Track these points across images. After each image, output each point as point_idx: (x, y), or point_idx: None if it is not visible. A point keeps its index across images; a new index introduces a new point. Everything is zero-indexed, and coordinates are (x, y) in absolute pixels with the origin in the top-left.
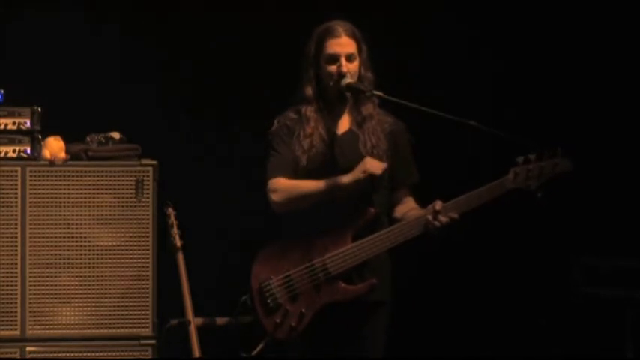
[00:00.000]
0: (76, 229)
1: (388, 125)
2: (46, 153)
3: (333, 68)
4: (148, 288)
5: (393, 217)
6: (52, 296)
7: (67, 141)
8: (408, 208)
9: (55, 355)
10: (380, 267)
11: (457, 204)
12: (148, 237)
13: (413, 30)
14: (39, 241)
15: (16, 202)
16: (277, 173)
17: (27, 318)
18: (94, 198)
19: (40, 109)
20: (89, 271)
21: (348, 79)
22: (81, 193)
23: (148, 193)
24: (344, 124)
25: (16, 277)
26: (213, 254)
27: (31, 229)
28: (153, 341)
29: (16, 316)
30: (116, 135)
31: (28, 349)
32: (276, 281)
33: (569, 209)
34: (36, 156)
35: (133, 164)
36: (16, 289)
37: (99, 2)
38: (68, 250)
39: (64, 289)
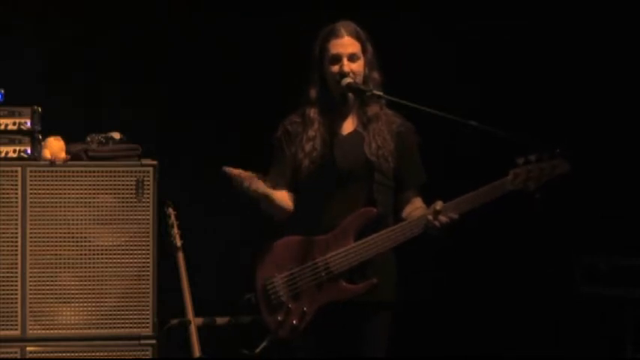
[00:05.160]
0: (76, 229)
1: (396, 126)
2: (47, 153)
3: (335, 69)
4: (148, 288)
5: (400, 218)
6: (52, 296)
7: (67, 141)
8: (413, 207)
9: (55, 355)
10: (383, 267)
11: (457, 204)
12: (148, 237)
13: (413, 29)
14: (39, 241)
15: (17, 202)
16: (272, 182)
17: (27, 318)
18: (94, 198)
19: (40, 109)
20: (89, 271)
21: (348, 79)
22: (81, 193)
23: (148, 193)
24: (349, 124)
25: (16, 277)
26: (213, 254)
27: (31, 229)
28: (153, 341)
29: (16, 316)
30: (116, 135)
31: (28, 349)
32: (280, 279)
33: (569, 208)
34: (36, 156)
35: (133, 164)
36: (16, 289)
37: (97, 3)
38: (68, 250)
39: (64, 289)
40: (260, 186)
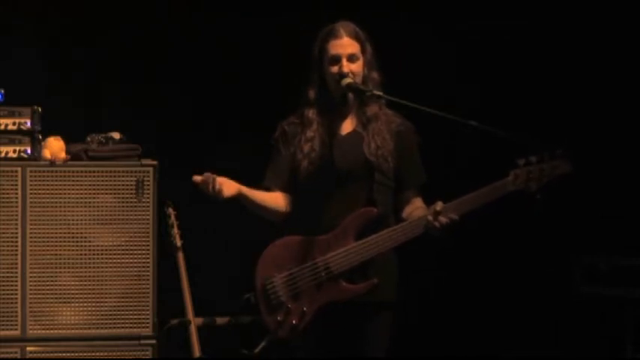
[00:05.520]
0: (76, 229)
1: (395, 125)
2: (46, 153)
3: (335, 69)
4: (148, 288)
5: (401, 218)
6: (52, 296)
7: (67, 141)
8: (413, 208)
9: (55, 355)
10: (384, 268)
11: (458, 205)
12: (148, 237)
13: (413, 29)
14: (39, 241)
15: (17, 202)
16: (268, 183)
17: (27, 318)
18: (94, 198)
19: (40, 109)
20: (89, 271)
21: (348, 80)
22: (81, 193)
23: (148, 193)
24: (348, 125)
25: (16, 277)
26: (213, 254)
27: (31, 229)
28: (153, 341)
29: (16, 316)
30: (116, 135)
31: (28, 349)
32: (280, 279)
33: (568, 208)
34: (36, 156)
35: (133, 164)
36: (16, 289)
37: (97, 3)
38: (68, 250)
39: (64, 289)
40: (226, 187)
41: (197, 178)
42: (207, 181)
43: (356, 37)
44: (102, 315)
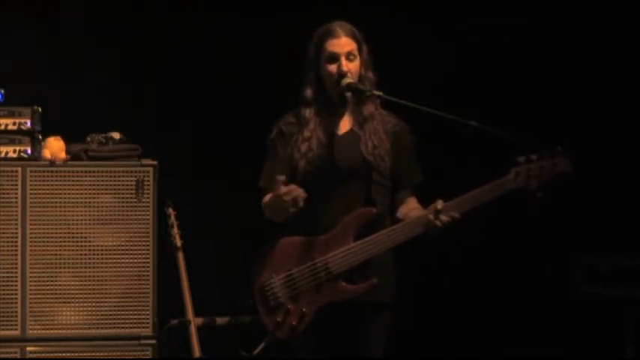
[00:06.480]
0: (76, 229)
1: (391, 125)
2: (47, 153)
3: (333, 68)
4: (148, 288)
5: (396, 218)
6: (52, 296)
7: (67, 141)
8: (409, 207)
9: (55, 355)
10: (383, 268)
11: (458, 203)
12: (148, 237)
13: (413, 29)
14: (39, 241)
15: (17, 202)
16: (265, 183)
17: (27, 318)
18: (94, 198)
19: (40, 109)
20: (89, 271)
21: (348, 79)
22: (81, 193)
23: (148, 193)
24: (345, 124)
25: (16, 277)
26: (213, 254)
27: (31, 229)
28: (153, 341)
29: (16, 316)
30: (116, 135)
31: (28, 349)
32: (278, 280)
33: (568, 208)
34: (36, 156)
35: (133, 164)
36: (16, 289)
37: (97, 3)
38: (68, 250)
39: (64, 289)
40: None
41: (282, 189)
42: (291, 193)
43: (353, 37)
44: (102, 315)
